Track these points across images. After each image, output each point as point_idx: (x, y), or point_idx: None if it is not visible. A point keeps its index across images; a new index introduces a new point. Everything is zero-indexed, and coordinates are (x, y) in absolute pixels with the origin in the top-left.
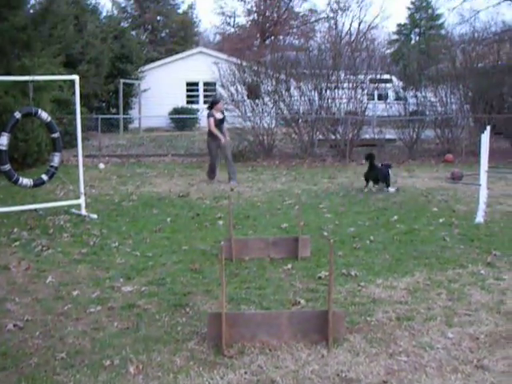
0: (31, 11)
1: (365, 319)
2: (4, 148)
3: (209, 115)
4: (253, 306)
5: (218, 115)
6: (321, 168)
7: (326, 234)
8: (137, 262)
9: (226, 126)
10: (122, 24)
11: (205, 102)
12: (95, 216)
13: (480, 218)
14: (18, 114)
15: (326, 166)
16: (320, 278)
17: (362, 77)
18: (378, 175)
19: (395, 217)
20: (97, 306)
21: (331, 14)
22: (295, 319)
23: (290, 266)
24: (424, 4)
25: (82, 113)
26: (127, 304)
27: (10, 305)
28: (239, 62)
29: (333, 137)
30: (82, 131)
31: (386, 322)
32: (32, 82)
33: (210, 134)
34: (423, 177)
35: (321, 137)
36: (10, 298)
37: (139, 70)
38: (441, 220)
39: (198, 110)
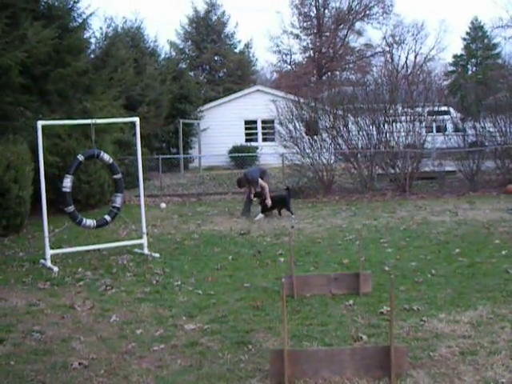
0: (92, 56)
1: (428, 354)
2: (68, 190)
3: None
4: (315, 343)
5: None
6: (381, 202)
7: (387, 268)
8: (199, 300)
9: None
10: (180, 65)
11: (264, 140)
12: (157, 255)
13: None
14: (81, 157)
15: (386, 200)
16: (382, 313)
17: (419, 109)
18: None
19: (457, 250)
20: (160, 344)
21: (387, 48)
22: (358, 355)
23: (351, 301)
24: (480, 34)
25: (143, 153)
26: (190, 342)
27: (75, 343)
28: (296, 98)
29: (392, 171)
30: (144, 172)
31: (450, 356)
32: (94, 124)
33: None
34: (484, 208)
35: (380, 171)
36: (75, 337)
37: (198, 110)
38: (503, 252)
39: (257, 148)
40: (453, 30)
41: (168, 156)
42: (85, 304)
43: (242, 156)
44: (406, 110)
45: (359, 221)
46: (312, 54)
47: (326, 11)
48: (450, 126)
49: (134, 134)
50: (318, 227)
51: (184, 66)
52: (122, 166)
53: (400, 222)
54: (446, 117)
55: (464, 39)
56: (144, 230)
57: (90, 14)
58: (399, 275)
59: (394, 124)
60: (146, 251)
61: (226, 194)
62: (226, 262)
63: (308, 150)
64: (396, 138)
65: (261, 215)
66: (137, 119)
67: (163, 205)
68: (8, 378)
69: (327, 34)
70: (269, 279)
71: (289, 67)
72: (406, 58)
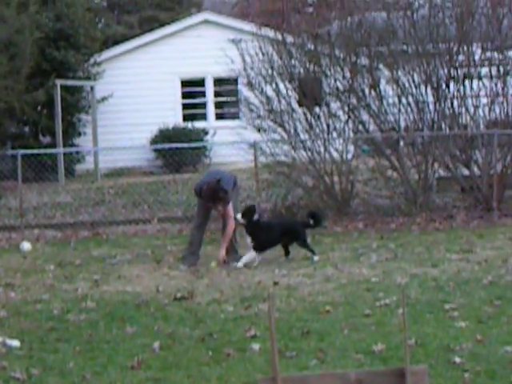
0: None
1: None
2: None
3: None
4: None
5: None
6: (445, 233)
7: (458, 360)
8: None
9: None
10: None
11: (218, 117)
12: (16, 343)
13: None
14: None
15: (454, 228)
16: None
17: None
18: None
19: None
20: None
21: None
22: None
23: None
24: None
25: None
26: None
27: None
28: (280, 37)
29: (466, 171)
30: None
31: None
32: None
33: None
34: None
35: (442, 173)
36: None
37: (92, 62)
38: None
39: (205, 133)
40: None
41: (35, 151)
42: None
43: (176, 149)
44: (489, 54)
45: (404, 269)
46: None
47: None
48: None
49: None
50: (324, 283)
51: None
52: None
53: (482, 271)
54: None
55: None
56: None
57: None
58: (482, 372)
59: (466, 82)
60: None
61: (147, 222)
62: (149, 353)
63: (304, 135)
64: (472, 111)
65: (252, 255)
66: None
67: (26, 245)
68: None
69: None
70: None
71: None
72: None
